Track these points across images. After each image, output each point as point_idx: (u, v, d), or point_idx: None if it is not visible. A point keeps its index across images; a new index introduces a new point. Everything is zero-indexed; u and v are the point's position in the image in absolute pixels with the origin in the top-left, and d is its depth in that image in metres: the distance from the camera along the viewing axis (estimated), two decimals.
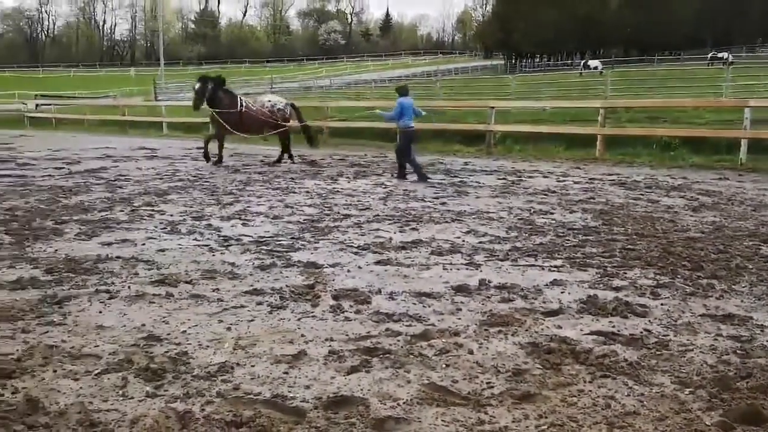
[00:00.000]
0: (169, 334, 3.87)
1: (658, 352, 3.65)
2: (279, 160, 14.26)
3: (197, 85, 13.64)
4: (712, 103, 18.34)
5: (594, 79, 34.39)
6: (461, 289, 4.84)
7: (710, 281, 5.06)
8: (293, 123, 14.69)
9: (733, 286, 4.93)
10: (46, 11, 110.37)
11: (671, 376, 3.33)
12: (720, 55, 55.92)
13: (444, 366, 3.45)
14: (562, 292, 4.80)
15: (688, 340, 3.85)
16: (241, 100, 13.94)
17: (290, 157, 14.36)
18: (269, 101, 14.59)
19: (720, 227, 7.16)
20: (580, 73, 49.57)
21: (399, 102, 11.42)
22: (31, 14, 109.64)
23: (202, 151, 14.25)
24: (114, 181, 10.91)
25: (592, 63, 58.03)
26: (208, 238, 6.54)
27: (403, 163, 11.45)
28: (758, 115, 14.01)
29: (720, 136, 14.53)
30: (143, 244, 6.25)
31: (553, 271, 5.39)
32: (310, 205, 8.57)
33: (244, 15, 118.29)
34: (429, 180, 10.97)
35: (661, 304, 4.52)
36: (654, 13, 74.20)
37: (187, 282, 4.97)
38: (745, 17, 73.75)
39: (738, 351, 3.66)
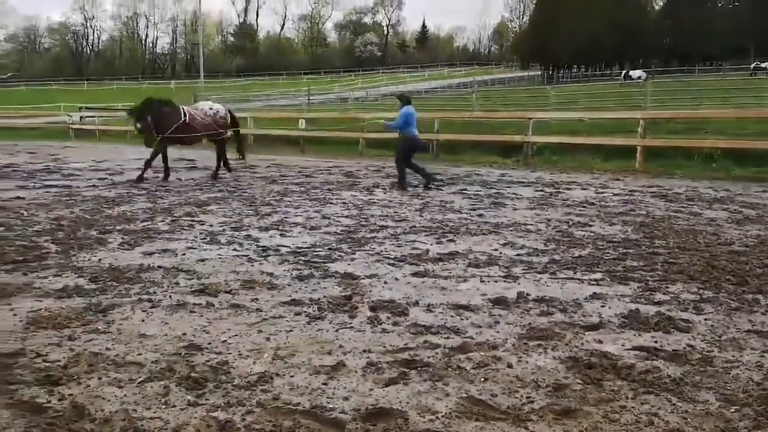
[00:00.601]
0: (209, 344, 3.92)
1: (703, 369, 3.58)
2: (216, 173, 13.90)
3: (139, 125, 12.57)
4: (755, 114, 17.95)
5: (634, 90, 33.91)
6: (499, 302, 4.82)
7: (755, 296, 4.94)
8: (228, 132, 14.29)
9: None
10: (91, 26, 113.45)
11: (716, 393, 3.27)
12: (764, 65, 54.67)
13: (483, 379, 3.44)
14: (602, 306, 4.73)
15: (733, 356, 3.76)
16: (183, 110, 13.14)
17: (227, 165, 14.16)
18: (211, 108, 13.99)
19: (765, 240, 6.99)
20: (620, 83, 48.66)
21: (404, 111, 11.48)
22: (77, 29, 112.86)
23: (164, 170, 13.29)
24: (155, 191, 11.13)
25: (635, 73, 56.64)
26: (247, 249, 6.62)
27: (414, 171, 11.74)
28: None
29: (763, 148, 14.20)
30: (184, 254, 6.36)
31: (593, 284, 5.33)
32: (346, 216, 8.62)
33: (282, 27, 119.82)
34: (407, 190, 11.26)
35: (705, 319, 4.43)
36: (695, 24, 73.04)
37: (226, 292, 5.04)
38: None
39: None
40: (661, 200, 10.05)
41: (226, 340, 3.98)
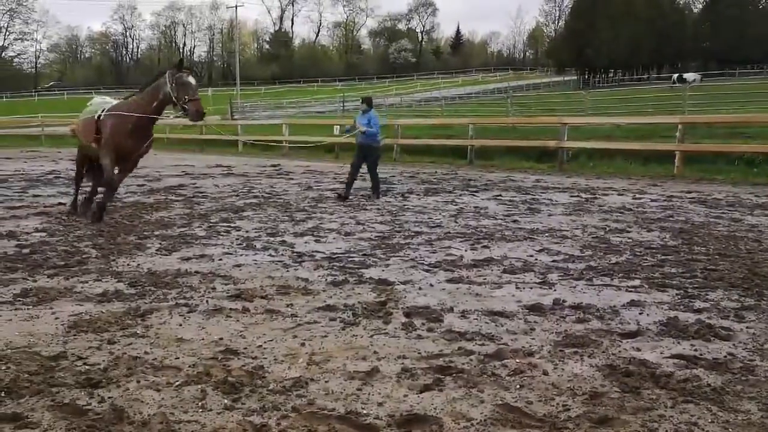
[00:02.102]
0: (245, 348, 3.96)
1: (744, 378, 3.49)
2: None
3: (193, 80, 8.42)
4: None
5: (672, 94, 33.32)
6: (535, 309, 4.77)
7: None
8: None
9: None
10: (130, 35, 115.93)
11: (758, 403, 3.18)
12: None
13: (518, 387, 3.41)
14: (640, 313, 4.66)
15: None
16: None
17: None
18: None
19: None
20: (671, 86, 46.74)
21: (374, 115, 11.32)
22: (117, 38, 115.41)
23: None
24: (192, 197, 11.30)
25: (689, 76, 54.24)
26: (282, 254, 6.67)
27: (350, 180, 11.14)
28: None
29: None
30: (220, 260, 6.44)
31: (631, 291, 5.24)
32: (381, 222, 8.63)
33: (317, 35, 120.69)
34: (348, 200, 10.75)
35: (747, 327, 4.33)
36: (734, 27, 71.59)
37: (262, 297, 5.09)
38: None
39: None
40: (701, 206, 9.85)
41: (261, 345, 4.02)
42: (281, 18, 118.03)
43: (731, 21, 72.46)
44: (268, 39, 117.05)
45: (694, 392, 3.30)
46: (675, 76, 56.92)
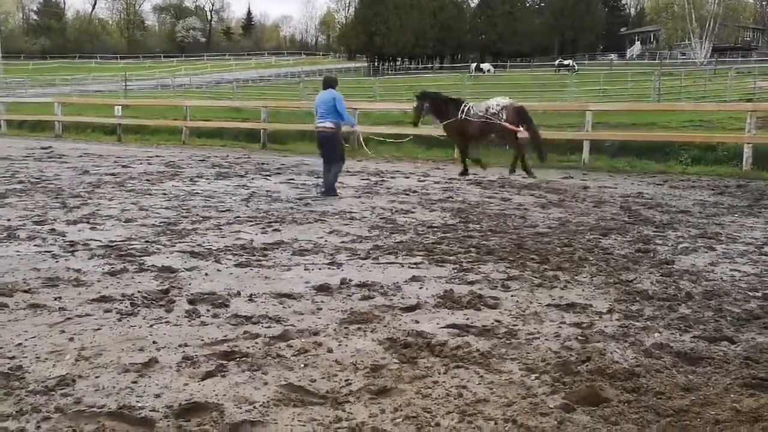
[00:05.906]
0: (1, 348, 3.54)
1: (508, 341, 3.82)
2: None
3: None
4: (557, 107, 19.56)
5: (448, 83, 35.60)
6: (322, 289, 4.84)
7: (555, 273, 5.38)
8: None
9: (576, 277, 5.27)
10: None
11: (519, 363, 3.50)
12: (566, 62, 59.85)
13: (302, 366, 3.42)
14: (420, 288, 4.91)
15: (535, 328, 4.07)
16: None
17: None
18: None
19: (565, 222, 7.64)
20: (470, 75, 50.31)
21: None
22: None
23: None
24: None
25: (485, 66, 62.04)
26: (52, 244, 6.08)
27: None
28: (598, 118, 15.12)
29: (566, 138, 15.51)
30: None
31: (413, 267, 5.51)
32: (167, 208, 8.21)
33: (93, 7, 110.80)
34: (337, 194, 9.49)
35: (512, 296, 4.75)
36: (506, 22, 78.44)
37: (24, 291, 4.59)
38: (587, 29, 79.86)
39: (579, 337, 3.91)
40: (477, 187, 10.64)
41: (21, 344, 3.62)
42: None
43: (503, 16, 79.10)
44: (36, 9, 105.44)
45: (464, 358, 3.54)
46: (473, 65, 62.42)
